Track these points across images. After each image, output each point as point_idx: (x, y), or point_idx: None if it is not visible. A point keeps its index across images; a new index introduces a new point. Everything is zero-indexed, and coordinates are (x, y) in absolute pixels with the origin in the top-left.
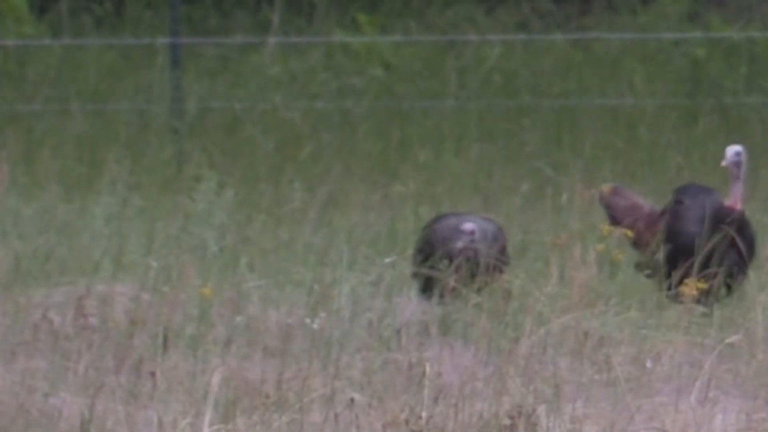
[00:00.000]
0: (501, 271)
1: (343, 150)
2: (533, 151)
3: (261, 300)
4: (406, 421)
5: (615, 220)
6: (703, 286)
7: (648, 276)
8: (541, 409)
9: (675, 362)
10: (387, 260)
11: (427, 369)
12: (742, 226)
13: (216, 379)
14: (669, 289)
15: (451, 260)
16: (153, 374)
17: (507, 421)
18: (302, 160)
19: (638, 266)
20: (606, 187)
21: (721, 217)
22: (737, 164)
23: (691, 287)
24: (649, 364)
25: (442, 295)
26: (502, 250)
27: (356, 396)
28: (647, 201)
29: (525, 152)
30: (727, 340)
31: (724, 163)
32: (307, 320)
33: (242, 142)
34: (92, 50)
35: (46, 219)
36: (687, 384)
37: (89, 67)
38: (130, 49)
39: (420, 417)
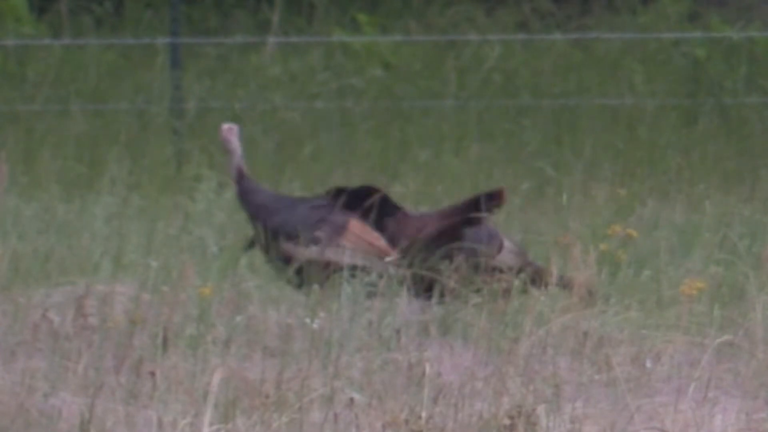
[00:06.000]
0: (501, 270)
1: (343, 150)
2: (533, 151)
3: (261, 300)
4: (406, 421)
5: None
6: (701, 285)
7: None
8: (541, 409)
9: (675, 362)
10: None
11: (427, 369)
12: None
13: (216, 379)
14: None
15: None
16: (153, 374)
17: (507, 421)
18: (302, 160)
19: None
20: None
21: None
22: (226, 141)
23: (691, 286)
24: (648, 364)
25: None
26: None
27: (356, 396)
28: None
29: (525, 152)
30: (725, 339)
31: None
32: (307, 320)
33: (242, 142)
34: (92, 50)
35: (46, 219)
36: (686, 384)
37: (89, 67)
38: (130, 49)
39: (420, 417)
